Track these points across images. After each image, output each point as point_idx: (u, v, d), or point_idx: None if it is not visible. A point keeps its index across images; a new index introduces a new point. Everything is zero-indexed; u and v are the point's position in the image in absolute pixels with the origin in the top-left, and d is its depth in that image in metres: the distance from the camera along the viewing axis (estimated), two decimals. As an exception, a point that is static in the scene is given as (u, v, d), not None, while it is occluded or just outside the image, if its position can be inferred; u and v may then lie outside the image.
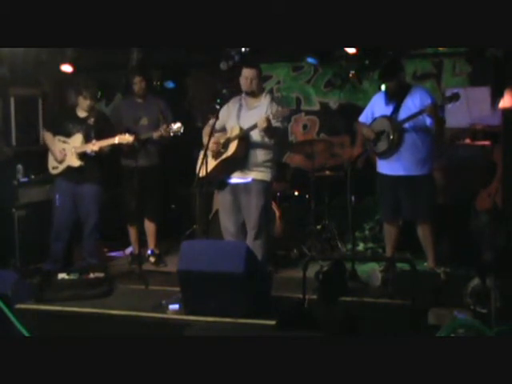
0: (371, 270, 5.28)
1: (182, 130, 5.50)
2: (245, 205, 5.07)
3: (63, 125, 5.60)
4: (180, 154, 5.63)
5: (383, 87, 6.15)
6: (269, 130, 4.82)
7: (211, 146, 4.99)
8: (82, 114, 5.62)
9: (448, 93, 5.87)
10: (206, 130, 5.19)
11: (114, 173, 6.07)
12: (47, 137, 5.66)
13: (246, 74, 5.04)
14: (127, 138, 5.39)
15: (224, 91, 5.08)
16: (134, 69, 6.40)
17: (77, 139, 5.52)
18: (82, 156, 5.50)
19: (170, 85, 7.32)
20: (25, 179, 5.98)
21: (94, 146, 5.42)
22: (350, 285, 4.95)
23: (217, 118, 4.88)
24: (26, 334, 2.91)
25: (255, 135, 4.99)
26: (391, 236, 5.29)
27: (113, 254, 6.56)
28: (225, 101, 5.38)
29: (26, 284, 4.93)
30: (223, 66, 6.39)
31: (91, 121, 5.58)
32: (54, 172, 5.64)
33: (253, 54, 6.57)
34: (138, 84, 6.00)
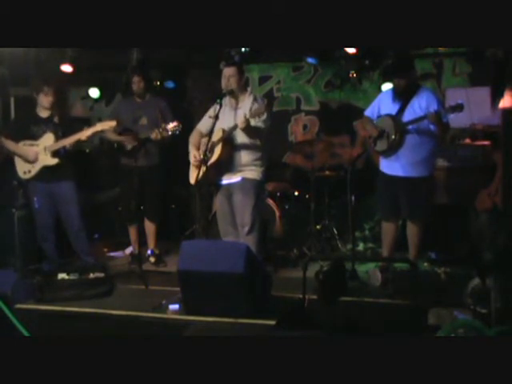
0: (371, 270, 5.29)
1: (179, 129, 5.49)
2: (236, 203, 5.04)
3: (26, 129, 5.51)
4: (180, 154, 5.62)
5: (384, 87, 6.17)
6: (248, 129, 4.77)
7: (192, 159, 5.04)
8: (44, 113, 5.56)
9: (450, 99, 5.89)
10: (193, 140, 5.18)
11: (113, 172, 6.08)
12: (9, 144, 5.53)
13: (225, 73, 5.03)
14: (109, 124, 5.36)
15: (224, 91, 5.05)
16: (133, 68, 6.40)
17: (48, 139, 5.45)
18: (56, 154, 5.46)
19: (169, 85, 7.32)
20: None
21: (73, 139, 5.34)
22: (350, 285, 4.95)
23: (216, 118, 4.86)
24: (26, 333, 2.90)
25: (240, 136, 4.93)
26: (388, 234, 5.29)
27: (113, 253, 6.56)
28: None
29: (26, 284, 4.93)
30: (223, 66, 6.37)
31: (56, 119, 5.55)
32: (27, 176, 5.54)
33: (253, 53, 6.58)
34: (136, 84, 6.00)
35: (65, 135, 5.43)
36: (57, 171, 5.50)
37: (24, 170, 5.54)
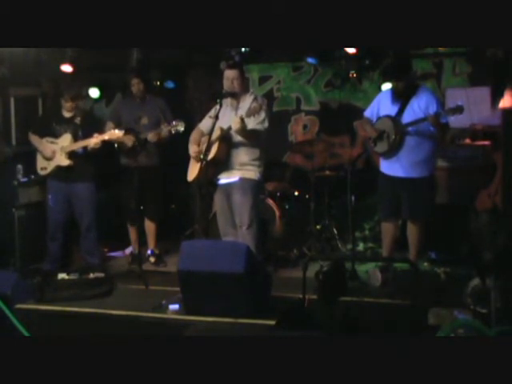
0: (371, 270, 5.28)
1: (183, 128, 5.49)
2: (234, 203, 5.05)
3: (50, 126, 5.63)
4: (180, 154, 5.62)
5: (384, 87, 6.16)
6: (243, 131, 4.77)
7: (193, 154, 5.06)
8: (67, 114, 5.67)
9: (450, 99, 5.89)
10: (193, 137, 5.19)
11: (112, 172, 6.08)
12: (34, 139, 5.68)
13: (227, 75, 5.02)
14: (117, 135, 5.42)
15: (224, 91, 5.05)
16: (132, 70, 6.40)
17: (65, 139, 5.55)
18: (72, 155, 5.53)
19: (169, 85, 7.32)
20: (25, 179, 5.98)
21: (82, 143, 5.46)
22: (350, 285, 4.95)
23: (216, 118, 4.86)
24: (26, 333, 2.90)
25: (238, 135, 4.93)
26: (388, 234, 5.29)
27: (113, 253, 6.56)
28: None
29: (26, 284, 4.93)
30: (223, 66, 6.38)
31: (78, 120, 5.63)
32: (42, 173, 5.67)
33: (253, 53, 6.57)
34: (135, 86, 6.00)
35: (85, 137, 5.51)
36: (74, 172, 5.59)
37: (41, 167, 5.67)
